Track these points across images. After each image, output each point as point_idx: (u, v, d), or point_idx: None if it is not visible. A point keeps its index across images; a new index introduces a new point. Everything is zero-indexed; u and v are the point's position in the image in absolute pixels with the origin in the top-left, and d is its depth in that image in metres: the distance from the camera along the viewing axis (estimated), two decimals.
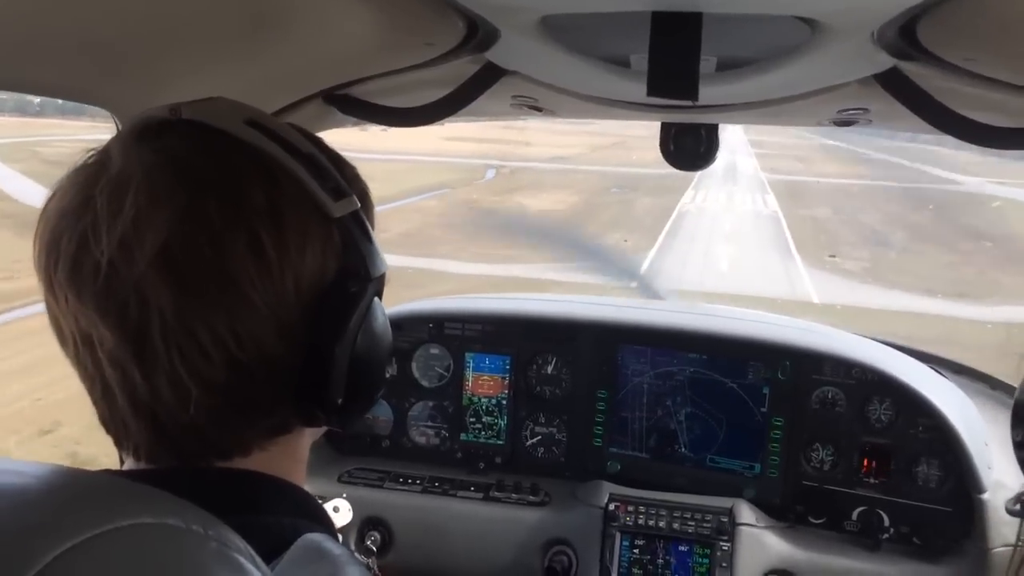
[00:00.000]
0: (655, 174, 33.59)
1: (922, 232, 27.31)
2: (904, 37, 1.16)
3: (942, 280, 19.18)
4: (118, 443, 0.83)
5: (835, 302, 16.21)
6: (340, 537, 0.86)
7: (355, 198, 0.84)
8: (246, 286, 0.75)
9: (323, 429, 0.94)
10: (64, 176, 0.79)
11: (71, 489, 0.61)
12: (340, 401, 0.83)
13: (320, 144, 0.88)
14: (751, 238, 26.16)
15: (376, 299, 0.86)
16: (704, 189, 36.42)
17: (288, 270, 0.78)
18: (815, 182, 41.25)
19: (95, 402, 0.81)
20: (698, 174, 34.82)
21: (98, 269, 0.73)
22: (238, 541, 0.63)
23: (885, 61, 1.35)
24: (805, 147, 53.39)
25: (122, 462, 0.86)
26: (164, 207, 0.73)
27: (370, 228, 0.87)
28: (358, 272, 0.83)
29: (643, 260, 21.40)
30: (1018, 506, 1.09)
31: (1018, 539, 1.10)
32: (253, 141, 0.80)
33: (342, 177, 0.85)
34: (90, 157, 0.80)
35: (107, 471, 0.80)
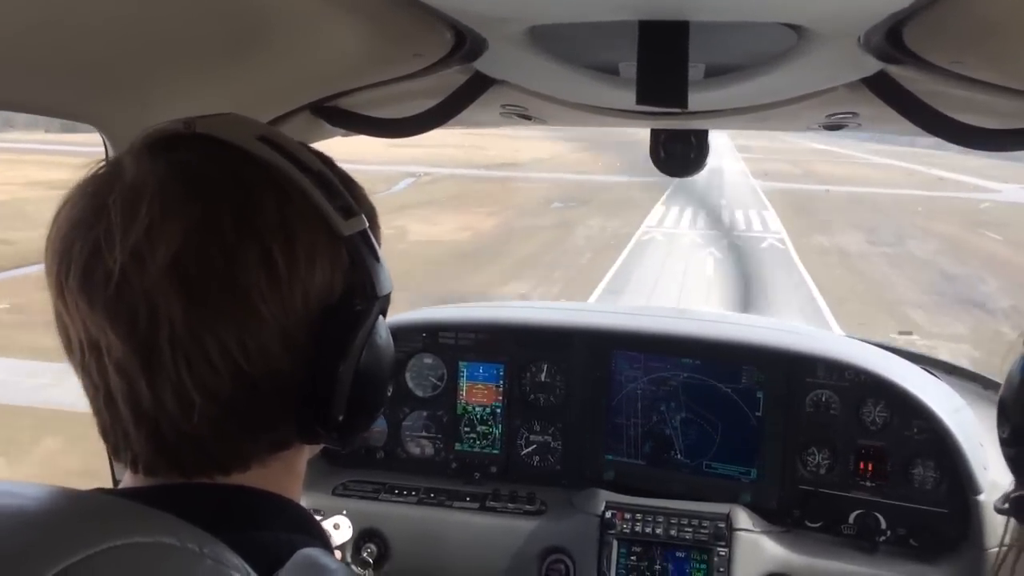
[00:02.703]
0: (620, 183, 29.05)
1: (1013, 271, 18.12)
2: (891, 41, 1.16)
3: None
4: (116, 454, 0.83)
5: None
6: (338, 552, 0.86)
7: (363, 217, 0.85)
8: (256, 299, 0.76)
9: (321, 446, 0.94)
10: (74, 186, 0.79)
11: (66, 509, 0.61)
12: (341, 418, 0.83)
13: (329, 163, 0.88)
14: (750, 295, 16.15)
15: (380, 317, 0.87)
16: (678, 205, 28.08)
17: (297, 285, 0.78)
18: (824, 191, 32.91)
19: (97, 412, 0.80)
20: (671, 185, 27.69)
21: (110, 277, 0.73)
22: (233, 558, 0.63)
23: (873, 65, 1.36)
24: (794, 151, 50.86)
25: (114, 479, 0.86)
26: (178, 217, 0.74)
27: (377, 247, 0.87)
28: (364, 290, 0.84)
29: None
30: (1007, 505, 1.09)
31: (1003, 538, 1.10)
32: (265, 156, 0.80)
33: (351, 196, 0.85)
34: (100, 168, 0.80)
35: (101, 489, 0.80)
